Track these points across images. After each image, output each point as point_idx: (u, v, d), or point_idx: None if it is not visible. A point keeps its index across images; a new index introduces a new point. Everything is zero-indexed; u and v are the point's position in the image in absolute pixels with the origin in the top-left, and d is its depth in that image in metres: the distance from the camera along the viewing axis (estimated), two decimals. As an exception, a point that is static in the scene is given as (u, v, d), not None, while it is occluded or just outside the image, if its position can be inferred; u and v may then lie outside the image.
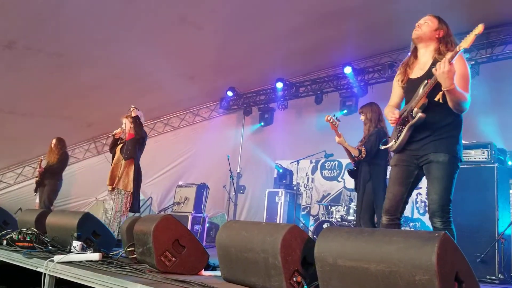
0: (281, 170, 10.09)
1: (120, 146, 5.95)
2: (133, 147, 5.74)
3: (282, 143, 11.04)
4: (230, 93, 11.02)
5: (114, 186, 5.69)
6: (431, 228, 3.08)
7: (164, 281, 2.62)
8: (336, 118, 4.98)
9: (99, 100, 9.71)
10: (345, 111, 9.08)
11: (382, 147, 3.49)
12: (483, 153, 5.10)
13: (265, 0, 7.35)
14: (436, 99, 2.93)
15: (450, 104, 2.91)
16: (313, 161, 10.34)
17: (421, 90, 3.02)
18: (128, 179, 5.63)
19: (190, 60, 9.10)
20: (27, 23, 7.24)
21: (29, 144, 10.42)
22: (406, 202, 3.19)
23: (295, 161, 9.44)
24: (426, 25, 3.17)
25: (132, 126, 5.85)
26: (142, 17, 7.45)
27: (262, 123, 11.04)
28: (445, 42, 3.13)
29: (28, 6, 6.84)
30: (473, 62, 7.27)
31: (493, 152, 5.05)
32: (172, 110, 11.67)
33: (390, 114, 3.19)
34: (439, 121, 3.01)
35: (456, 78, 2.83)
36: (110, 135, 6.07)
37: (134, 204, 5.69)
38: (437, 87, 2.92)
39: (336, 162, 9.96)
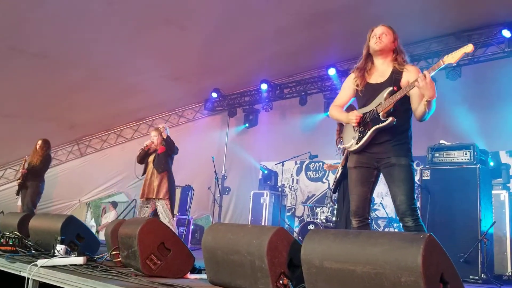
0: (266, 172, 10.10)
1: (152, 157, 6.34)
2: (166, 161, 6.26)
3: (266, 145, 11.06)
4: (214, 95, 11.00)
5: (150, 197, 6.15)
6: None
7: (150, 284, 2.60)
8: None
9: (82, 101, 9.61)
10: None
11: (340, 147, 3.58)
12: (466, 154, 5.17)
13: (249, 2, 7.34)
14: (414, 108, 3.12)
15: (421, 112, 3.05)
16: (298, 162, 10.37)
17: (385, 96, 3.15)
18: (165, 189, 6.14)
19: (175, 61, 9.05)
20: (10, 23, 7.14)
21: (11, 146, 10.26)
22: (371, 202, 3.32)
23: (280, 163, 9.46)
24: (385, 36, 3.29)
25: (162, 141, 6.33)
26: (125, 18, 7.38)
27: (247, 125, 11.04)
28: (401, 51, 3.31)
29: (9, 5, 6.74)
30: (455, 64, 7.35)
31: (475, 153, 5.12)
32: (156, 112, 11.60)
33: (353, 114, 3.26)
34: (399, 126, 3.16)
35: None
36: (141, 148, 6.40)
37: (172, 210, 6.25)
38: (404, 96, 3.10)
39: (321, 163, 10.00)
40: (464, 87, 7.24)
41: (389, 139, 3.17)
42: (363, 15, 7.45)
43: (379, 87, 3.23)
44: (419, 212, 3.11)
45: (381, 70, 3.31)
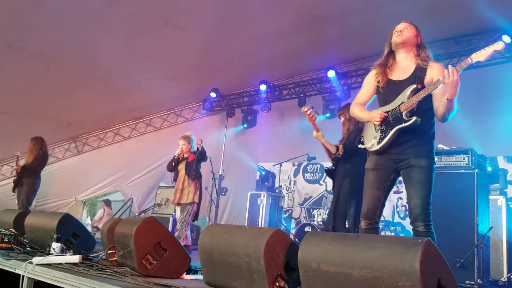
0: (263, 173, 10.09)
1: (183, 165, 6.60)
2: (197, 168, 6.50)
3: (264, 146, 11.05)
4: (213, 95, 10.99)
5: (182, 202, 6.43)
6: (411, 232, 3.11)
7: (145, 284, 2.59)
8: (315, 111, 4.70)
9: (80, 100, 9.59)
10: (328, 115, 9.13)
11: (361, 147, 3.44)
12: (464, 158, 5.17)
13: (248, 3, 7.34)
14: (436, 106, 3.02)
15: (442, 111, 2.96)
16: (296, 164, 10.37)
17: (408, 94, 3.04)
18: (194, 194, 6.45)
19: (174, 61, 9.05)
20: (8, 21, 7.11)
21: (9, 143, 10.24)
22: (384, 206, 3.23)
23: (277, 164, 9.45)
24: (407, 30, 3.22)
25: (189, 148, 6.65)
26: (125, 18, 7.38)
27: (245, 125, 11.02)
28: (423, 47, 3.21)
29: (8, 3, 6.72)
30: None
31: (473, 158, 5.12)
32: (154, 111, 11.59)
33: (376, 112, 3.16)
34: (421, 126, 3.04)
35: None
36: (175, 157, 6.64)
37: (197, 213, 6.68)
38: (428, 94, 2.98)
39: (319, 165, 10.00)
40: (462, 91, 7.20)
41: (409, 139, 3.07)
42: (362, 18, 7.46)
43: (402, 84, 3.13)
44: (431, 218, 3.01)
45: (404, 66, 3.21)
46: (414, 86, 3.04)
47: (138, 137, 11.65)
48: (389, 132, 3.10)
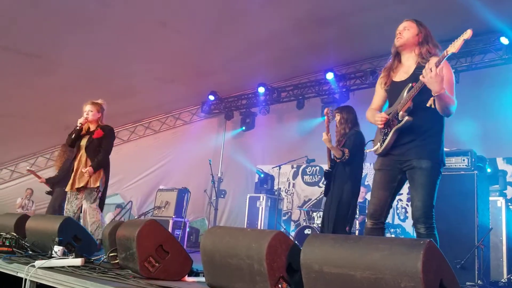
0: (262, 175, 10.10)
1: (86, 141, 5.30)
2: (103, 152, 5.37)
3: (263, 148, 11.07)
4: (211, 97, 11.01)
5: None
6: (411, 234, 3.13)
7: (148, 287, 2.60)
8: (333, 114, 4.91)
9: (76, 102, 9.56)
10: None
11: (367, 151, 3.49)
12: (464, 160, 5.18)
13: (246, 6, 7.36)
14: (428, 104, 2.99)
15: (439, 108, 2.94)
16: (294, 166, 10.38)
17: (405, 94, 3.04)
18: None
19: (171, 63, 9.06)
20: (4, 24, 7.12)
21: (6, 146, 10.24)
22: (390, 207, 3.22)
23: (276, 166, 9.47)
24: (407, 31, 3.21)
25: (98, 118, 5.39)
26: (121, 20, 7.40)
27: (244, 128, 11.05)
28: (427, 43, 3.17)
29: (4, 5, 6.72)
30: (453, 70, 7.38)
31: (473, 160, 5.13)
32: (153, 114, 11.60)
33: (378, 116, 3.16)
34: (423, 125, 3.03)
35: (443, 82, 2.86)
36: (76, 127, 5.20)
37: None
38: (423, 91, 2.94)
39: (318, 168, 10.01)
40: (461, 93, 7.19)
41: (412, 139, 3.04)
42: (359, 21, 7.49)
43: (402, 85, 3.12)
44: (434, 220, 2.99)
45: (407, 66, 3.21)
46: (410, 85, 3.03)
47: (136, 140, 11.65)
48: (389, 134, 3.09)
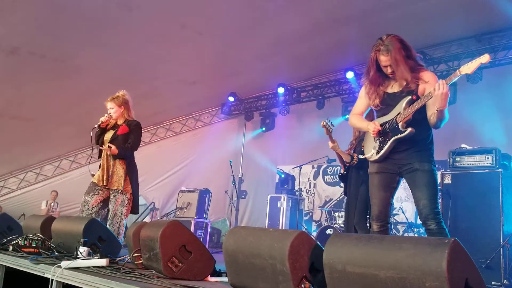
0: (282, 175, 10.09)
1: (110, 135, 5.24)
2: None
3: (283, 148, 11.05)
4: (231, 98, 11.05)
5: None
6: None
7: (172, 286, 2.62)
8: (331, 123, 5.03)
9: (100, 106, 9.72)
10: (347, 116, 9.09)
11: (361, 157, 3.79)
12: (488, 158, 5.11)
13: (266, 7, 7.37)
14: (428, 116, 3.10)
15: (434, 120, 3.07)
16: (315, 166, 10.34)
17: (404, 105, 3.15)
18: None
19: (192, 66, 9.13)
20: (30, 29, 7.27)
21: (32, 150, 10.44)
22: (391, 206, 3.37)
23: (297, 166, 9.44)
24: (393, 65, 3.18)
25: (121, 113, 5.29)
26: (144, 24, 7.48)
27: (264, 128, 11.06)
28: (412, 58, 3.23)
29: (30, 11, 6.86)
30: (471, 74, 7.27)
31: (497, 158, 5.06)
32: (173, 116, 11.71)
33: (371, 125, 3.29)
34: (418, 135, 3.16)
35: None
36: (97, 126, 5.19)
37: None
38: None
39: (338, 167, 9.92)
40: (485, 90, 7.16)
41: (410, 146, 3.19)
42: (381, 19, 7.42)
43: (396, 96, 3.24)
44: (441, 216, 3.12)
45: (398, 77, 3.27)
46: (409, 97, 3.15)
47: (158, 142, 11.77)
48: (387, 142, 3.23)
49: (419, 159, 3.15)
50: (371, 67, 3.34)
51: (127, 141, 4.96)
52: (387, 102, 3.29)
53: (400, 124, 3.16)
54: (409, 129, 3.12)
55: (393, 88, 3.29)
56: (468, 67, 2.89)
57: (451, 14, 7.00)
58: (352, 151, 5.15)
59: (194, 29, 7.87)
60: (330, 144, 5.10)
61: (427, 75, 3.20)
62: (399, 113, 3.18)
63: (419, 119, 3.15)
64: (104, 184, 4.90)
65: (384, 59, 3.23)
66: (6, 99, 8.94)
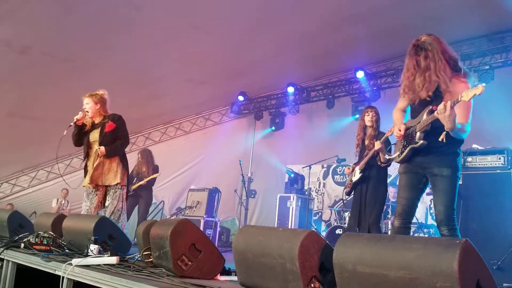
0: (292, 175, 10.08)
1: (96, 134, 5.28)
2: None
3: (293, 148, 11.04)
4: (241, 98, 11.05)
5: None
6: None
7: (182, 285, 2.63)
8: None
9: (111, 104, 9.78)
10: (357, 116, 9.06)
11: (387, 157, 3.92)
12: (499, 158, 5.06)
13: (275, 6, 7.37)
14: (440, 139, 3.07)
15: (452, 135, 3.09)
16: (325, 166, 10.32)
17: (425, 116, 3.18)
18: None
19: (201, 65, 9.15)
20: (41, 28, 7.32)
21: (43, 148, 10.50)
22: (416, 207, 3.41)
23: (307, 166, 9.42)
24: (434, 59, 3.15)
25: (96, 111, 5.34)
26: (153, 24, 7.50)
27: (273, 128, 11.06)
28: (450, 62, 3.18)
29: (41, 11, 6.92)
30: (487, 67, 7.22)
31: (509, 158, 5.01)
32: (183, 115, 11.74)
33: (396, 129, 3.39)
34: (436, 142, 3.14)
35: (459, 106, 2.99)
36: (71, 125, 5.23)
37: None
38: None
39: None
40: (497, 90, 7.08)
41: (429, 153, 3.23)
42: (391, 18, 7.39)
43: (424, 104, 3.24)
44: (456, 223, 3.16)
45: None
46: (430, 107, 3.17)
47: (168, 141, 11.81)
48: (406, 148, 3.30)
49: (438, 164, 3.18)
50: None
51: (117, 137, 4.96)
52: (417, 107, 3.33)
53: (417, 134, 3.20)
54: (421, 142, 3.18)
55: (424, 93, 3.23)
56: (467, 95, 2.88)
57: (462, 13, 6.95)
58: (357, 154, 5.20)
59: (203, 29, 7.89)
60: (378, 145, 4.94)
61: (455, 83, 3.12)
62: (419, 122, 3.23)
63: (437, 127, 3.11)
64: (102, 182, 4.89)
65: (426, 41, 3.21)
66: (17, 99, 9.01)
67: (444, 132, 3.03)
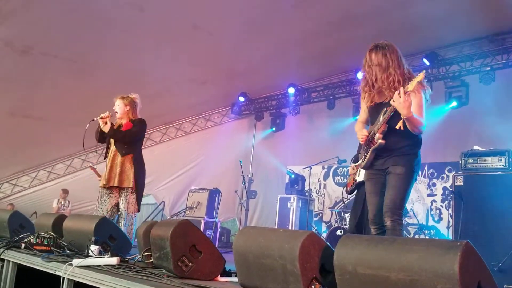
0: (292, 176, 10.08)
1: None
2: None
3: (293, 149, 11.04)
4: (241, 98, 11.06)
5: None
6: (446, 235, 3.19)
7: (182, 286, 2.63)
8: None
9: (111, 105, 9.78)
10: (357, 117, 9.04)
11: (354, 165, 4.13)
12: (501, 160, 5.05)
13: (276, 7, 7.37)
14: (397, 126, 3.21)
15: (409, 127, 3.19)
16: (325, 166, 10.32)
17: (381, 117, 3.29)
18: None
19: (202, 65, 9.15)
20: (43, 29, 7.33)
21: (44, 148, 10.52)
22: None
23: (307, 167, 9.42)
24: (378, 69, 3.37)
25: (126, 112, 5.47)
26: (155, 24, 7.51)
27: (274, 128, 11.05)
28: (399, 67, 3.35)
29: (42, 12, 6.92)
30: (488, 68, 7.22)
31: (510, 159, 5.00)
32: (184, 115, 11.75)
33: (360, 133, 3.48)
34: (398, 142, 3.29)
35: (412, 105, 3.12)
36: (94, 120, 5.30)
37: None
38: (396, 114, 3.18)
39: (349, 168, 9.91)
40: (498, 91, 7.09)
41: (390, 154, 3.33)
42: (392, 18, 7.39)
43: (380, 107, 3.38)
44: (403, 218, 3.25)
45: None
46: (385, 109, 3.29)
47: (168, 141, 11.82)
48: (368, 151, 3.40)
49: (394, 163, 3.28)
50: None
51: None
52: (374, 111, 3.45)
53: (376, 135, 3.30)
54: (379, 141, 3.28)
55: (380, 97, 3.42)
56: (411, 85, 3.05)
57: (464, 15, 6.94)
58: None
59: (205, 30, 7.89)
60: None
61: (410, 81, 3.22)
62: (377, 124, 3.34)
63: (394, 127, 3.24)
64: (115, 183, 4.93)
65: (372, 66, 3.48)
66: (19, 99, 9.03)
67: (401, 120, 3.13)
